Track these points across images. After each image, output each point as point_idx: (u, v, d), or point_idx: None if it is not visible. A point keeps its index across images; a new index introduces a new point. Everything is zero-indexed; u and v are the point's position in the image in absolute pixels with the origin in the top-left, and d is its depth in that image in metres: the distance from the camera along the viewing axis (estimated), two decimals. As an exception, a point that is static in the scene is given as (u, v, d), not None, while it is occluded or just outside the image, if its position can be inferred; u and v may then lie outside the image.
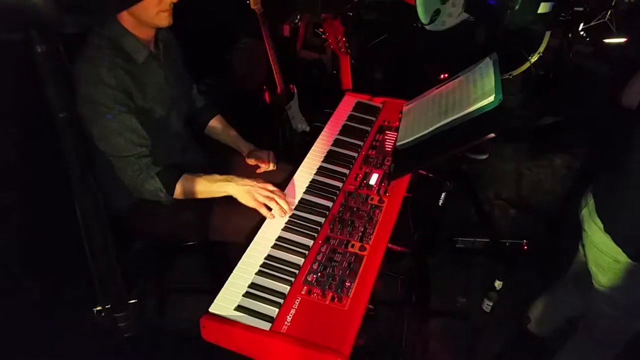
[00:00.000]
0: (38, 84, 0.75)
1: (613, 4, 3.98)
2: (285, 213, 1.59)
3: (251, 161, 1.97)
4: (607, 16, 4.03)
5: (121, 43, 1.60)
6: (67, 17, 0.54)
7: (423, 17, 2.43)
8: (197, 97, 2.08)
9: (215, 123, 2.08)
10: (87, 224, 0.93)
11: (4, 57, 1.44)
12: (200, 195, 1.70)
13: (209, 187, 1.67)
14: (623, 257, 1.55)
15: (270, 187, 1.63)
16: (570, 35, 3.63)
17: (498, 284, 2.36)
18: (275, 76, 2.62)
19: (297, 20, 3.21)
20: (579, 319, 1.92)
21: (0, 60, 1.56)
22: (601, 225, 1.58)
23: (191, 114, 2.03)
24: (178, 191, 1.68)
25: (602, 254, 1.60)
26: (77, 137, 0.83)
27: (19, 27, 0.56)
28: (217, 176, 1.68)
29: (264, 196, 1.59)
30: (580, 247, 1.80)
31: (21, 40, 0.66)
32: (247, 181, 1.64)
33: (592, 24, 4.08)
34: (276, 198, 1.59)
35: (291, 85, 2.78)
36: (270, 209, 1.59)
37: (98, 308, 1.12)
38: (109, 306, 1.11)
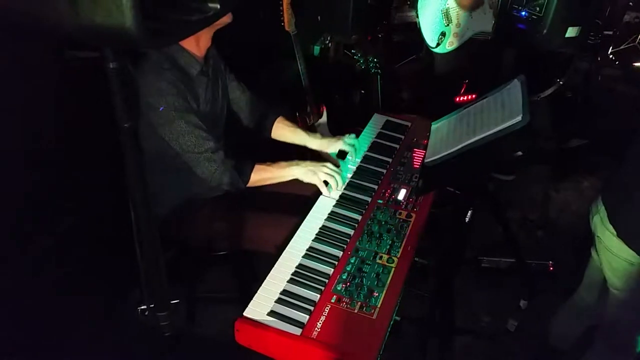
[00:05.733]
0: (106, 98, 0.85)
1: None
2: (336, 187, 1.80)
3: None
4: (638, 40, 4.03)
5: (177, 58, 1.73)
6: (151, 39, 0.62)
7: (429, 40, 2.50)
8: (254, 103, 2.12)
9: (280, 124, 2.15)
10: (139, 225, 1.01)
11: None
12: (270, 181, 1.85)
13: (278, 172, 1.83)
14: (637, 260, 1.59)
15: (330, 164, 1.83)
16: (599, 59, 3.63)
17: (523, 303, 2.36)
18: (306, 96, 2.71)
19: (327, 41, 3.31)
20: (596, 328, 1.93)
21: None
22: (614, 231, 1.63)
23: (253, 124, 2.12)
24: (252, 180, 1.82)
25: (617, 257, 1.65)
26: (137, 146, 0.92)
27: (104, 45, 0.64)
28: (283, 163, 1.84)
29: (325, 173, 1.79)
30: (593, 253, 1.84)
31: (92, 58, 0.75)
32: (308, 163, 1.84)
33: (621, 47, 4.08)
34: (334, 174, 1.80)
35: (321, 105, 2.86)
36: (328, 184, 1.80)
37: (142, 307, 1.20)
38: (152, 305, 1.20)
